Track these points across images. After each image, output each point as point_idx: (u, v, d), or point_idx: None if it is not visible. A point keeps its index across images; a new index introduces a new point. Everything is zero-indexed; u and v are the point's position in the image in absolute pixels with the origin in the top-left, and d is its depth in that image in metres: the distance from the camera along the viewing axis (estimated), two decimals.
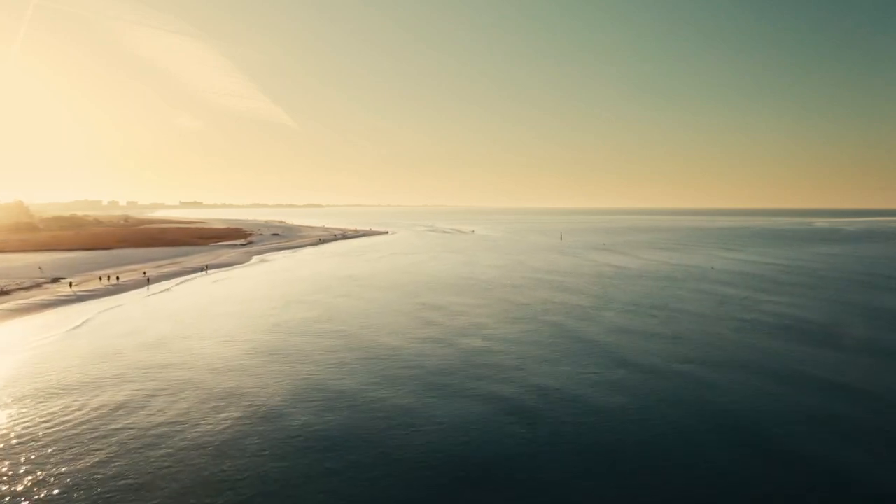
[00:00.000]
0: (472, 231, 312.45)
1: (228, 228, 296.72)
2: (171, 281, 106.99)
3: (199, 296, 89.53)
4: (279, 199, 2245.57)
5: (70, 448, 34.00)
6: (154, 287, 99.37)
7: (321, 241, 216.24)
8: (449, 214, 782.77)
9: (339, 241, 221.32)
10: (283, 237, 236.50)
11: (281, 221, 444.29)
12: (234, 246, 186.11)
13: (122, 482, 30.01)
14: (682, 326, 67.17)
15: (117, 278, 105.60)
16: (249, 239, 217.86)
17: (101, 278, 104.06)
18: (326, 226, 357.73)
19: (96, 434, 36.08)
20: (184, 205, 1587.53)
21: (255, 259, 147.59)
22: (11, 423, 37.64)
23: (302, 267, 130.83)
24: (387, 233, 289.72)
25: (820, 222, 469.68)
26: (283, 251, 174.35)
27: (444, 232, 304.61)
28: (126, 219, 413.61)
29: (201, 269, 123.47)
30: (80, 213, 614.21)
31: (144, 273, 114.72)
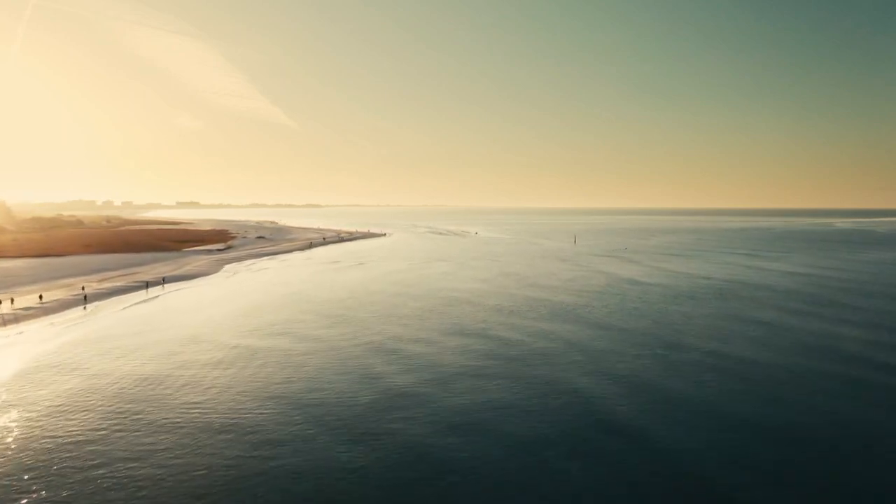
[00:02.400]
0: (476, 233, 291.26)
1: (213, 230, 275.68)
2: (111, 299, 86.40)
3: (98, 328, 67.66)
4: (278, 199, 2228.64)
5: None
6: (91, 307, 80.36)
7: (311, 246, 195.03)
8: (449, 215, 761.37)
9: (332, 245, 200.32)
10: (269, 240, 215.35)
11: (273, 222, 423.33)
12: (210, 252, 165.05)
13: None
14: (811, 411, 45.56)
15: (40, 297, 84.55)
16: (230, 243, 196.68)
17: (1, 302, 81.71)
18: (322, 227, 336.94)
19: None
20: (180, 205, 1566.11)
21: (225, 269, 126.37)
22: None
23: (270, 280, 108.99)
24: (384, 235, 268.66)
25: (840, 223, 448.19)
26: (262, 258, 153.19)
27: (446, 234, 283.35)
28: (109, 220, 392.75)
29: (156, 283, 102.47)
30: (73, 212, 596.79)
31: (83, 288, 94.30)
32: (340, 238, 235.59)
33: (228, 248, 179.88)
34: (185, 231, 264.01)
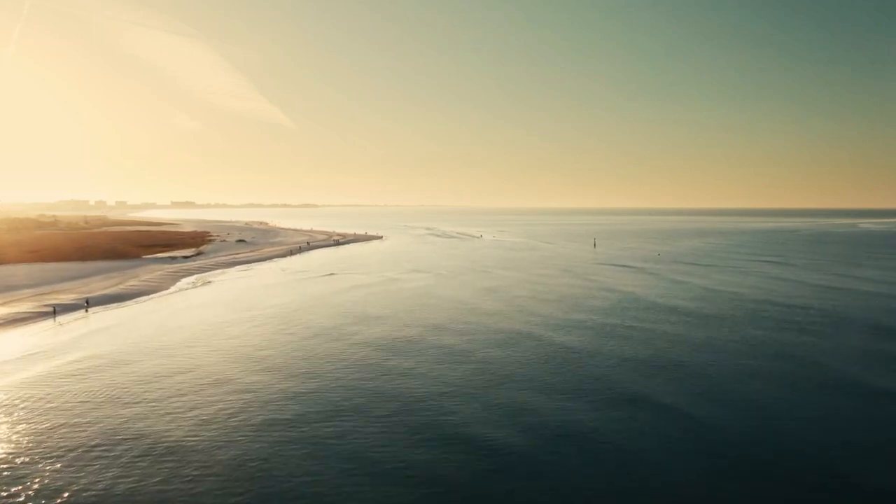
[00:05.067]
0: (480, 236, 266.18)
1: (192, 233, 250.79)
2: None
3: None
4: (275, 199, 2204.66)
5: None
6: None
7: (298, 250, 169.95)
8: (449, 215, 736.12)
9: (322, 249, 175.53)
10: (250, 244, 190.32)
11: (264, 223, 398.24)
12: (175, 259, 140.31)
13: None
14: None
15: None
16: (202, 248, 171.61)
17: None
18: (315, 229, 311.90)
19: None
20: (175, 205, 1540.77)
21: (179, 283, 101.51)
22: None
23: (223, 304, 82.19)
24: (381, 238, 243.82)
25: (865, 224, 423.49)
26: (234, 267, 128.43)
27: (445, 236, 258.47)
28: (87, 220, 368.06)
29: (76, 307, 77.90)
30: (61, 212, 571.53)
31: None
32: (336, 242, 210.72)
33: (199, 254, 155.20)
34: (161, 234, 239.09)
